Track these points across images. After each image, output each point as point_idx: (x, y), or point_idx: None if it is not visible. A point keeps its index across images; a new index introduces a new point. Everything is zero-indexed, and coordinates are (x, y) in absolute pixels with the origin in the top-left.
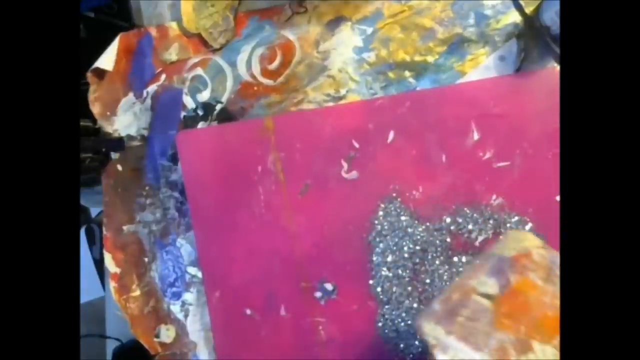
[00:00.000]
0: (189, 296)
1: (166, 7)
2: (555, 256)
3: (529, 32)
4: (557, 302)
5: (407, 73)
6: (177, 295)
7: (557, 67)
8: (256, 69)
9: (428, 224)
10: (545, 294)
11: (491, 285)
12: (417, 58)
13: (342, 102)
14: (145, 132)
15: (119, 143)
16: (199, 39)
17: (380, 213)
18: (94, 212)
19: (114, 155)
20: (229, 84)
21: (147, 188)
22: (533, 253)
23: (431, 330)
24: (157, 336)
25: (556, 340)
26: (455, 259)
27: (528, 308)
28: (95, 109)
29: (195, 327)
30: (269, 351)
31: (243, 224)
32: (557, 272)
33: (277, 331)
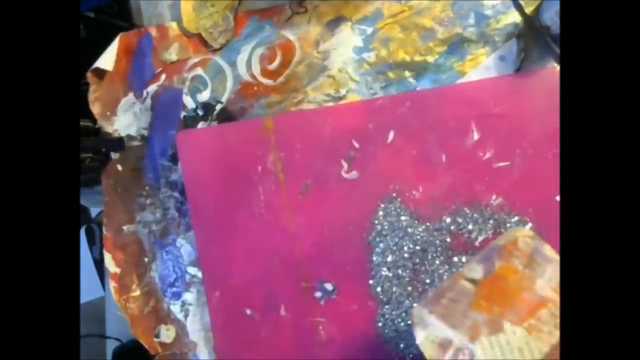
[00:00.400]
0: (189, 296)
1: (166, 7)
2: (540, 244)
3: (529, 32)
4: (534, 286)
5: (407, 73)
6: (177, 295)
7: (557, 67)
8: (256, 69)
9: (428, 224)
10: (524, 278)
11: (478, 271)
12: (417, 58)
13: (342, 102)
14: (145, 132)
15: (119, 143)
16: (199, 39)
17: (380, 213)
18: (94, 212)
19: (114, 155)
20: (229, 84)
21: (147, 188)
22: (519, 241)
23: (417, 312)
24: (157, 336)
25: (527, 323)
26: (455, 259)
27: (505, 291)
28: (95, 109)
29: (195, 327)
30: (269, 351)
31: (243, 224)
32: (539, 259)
33: (277, 331)
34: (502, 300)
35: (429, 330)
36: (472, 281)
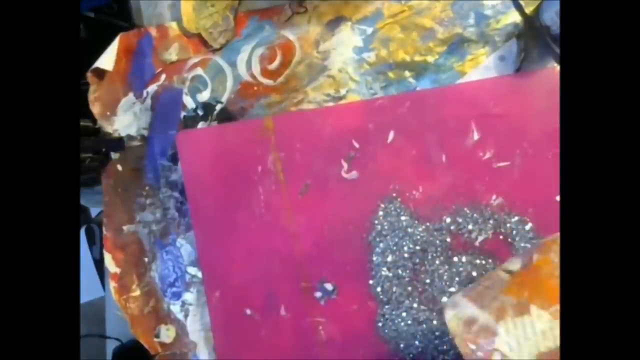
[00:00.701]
0: (189, 296)
1: (166, 7)
2: None
3: (529, 32)
4: None
5: (407, 73)
6: (177, 295)
7: (557, 67)
8: (256, 69)
9: (428, 224)
10: (557, 268)
11: (516, 263)
12: (417, 58)
13: (342, 102)
14: (145, 132)
15: (119, 143)
16: (199, 39)
17: (380, 213)
18: (94, 212)
19: (114, 155)
20: (229, 84)
21: (147, 188)
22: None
23: (452, 297)
24: (157, 336)
25: (554, 308)
26: (455, 259)
27: (538, 280)
28: (95, 109)
29: (195, 327)
30: (269, 351)
31: (243, 224)
32: None
33: (277, 331)
34: (533, 286)
35: (458, 309)
36: (509, 272)
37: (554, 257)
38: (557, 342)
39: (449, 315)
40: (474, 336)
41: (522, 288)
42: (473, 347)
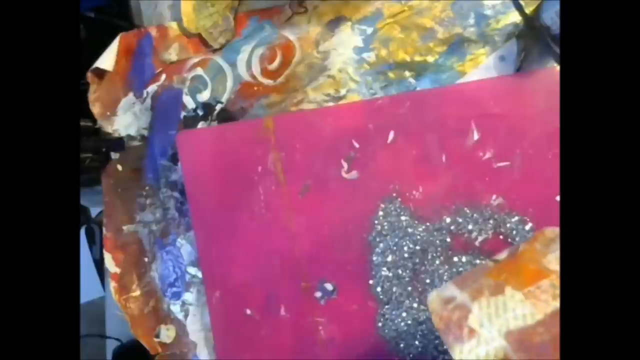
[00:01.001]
0: (189, 296)
1: (166, 7)
2: None
3: (529, 32)
4: (544, 260)
5: (407, 73)
6: (177, 295)
7: (557, 67)
8: (256, 69)
9: (428, 224)
10: (537, 253)
11: (504, 253)
12: (417, 58)
13: (342, 102)
14: (145, 132)
15: (119, 143)
16: (199, 39)
17: (380, 213)
18: (94, 212)
19: (114, 155)
20: (229, 84)
21: (147, 188)
22: (547, 230)
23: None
24: (157, 336)
25: (527, 289)
26: (455, 259)
27: (518, 264)
28: (95, 109)
29: (195, 327)
30: (269, 351)
31: (243, 224)
32: (558, 240)
33: (277, 331)
34: (512, 270)
35: (440, 290)
36: (495, 261)
37: (538, 246)
38: (527, 322)
39: (432, 295)
40: (449, 313)
41: (502, 272)
42: (447, 322)
